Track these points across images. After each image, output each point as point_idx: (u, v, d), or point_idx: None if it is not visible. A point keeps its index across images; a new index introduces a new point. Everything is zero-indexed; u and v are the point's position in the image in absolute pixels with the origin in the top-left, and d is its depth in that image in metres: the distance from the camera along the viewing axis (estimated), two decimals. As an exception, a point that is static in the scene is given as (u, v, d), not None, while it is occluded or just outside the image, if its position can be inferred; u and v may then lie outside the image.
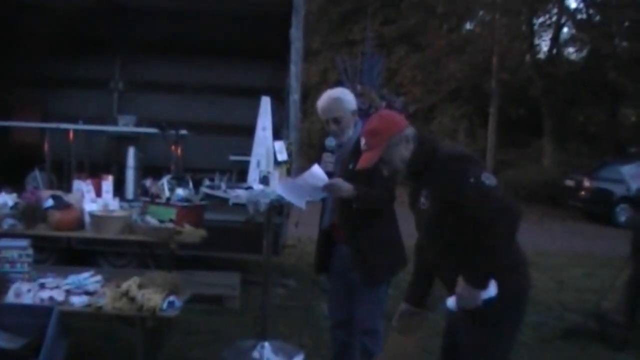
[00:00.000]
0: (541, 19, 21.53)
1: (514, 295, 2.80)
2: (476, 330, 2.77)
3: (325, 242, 3.95)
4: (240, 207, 4.49)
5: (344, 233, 3.76)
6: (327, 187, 3.59)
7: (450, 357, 2.96)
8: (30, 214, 4.23)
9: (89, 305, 3.88)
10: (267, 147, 4.26)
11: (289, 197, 3.85)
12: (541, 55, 22.44)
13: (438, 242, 2.80)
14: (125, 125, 7.55)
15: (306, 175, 3.69)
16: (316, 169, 3.66)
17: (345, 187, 3.53)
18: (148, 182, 4.53)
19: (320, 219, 3.98)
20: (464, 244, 2.65)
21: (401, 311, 3.08)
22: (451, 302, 2.76)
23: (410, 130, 2.81)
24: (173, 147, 6.85)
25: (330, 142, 3.81)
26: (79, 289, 4.04)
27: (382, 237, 3.71)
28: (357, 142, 3.73)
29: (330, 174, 3.69)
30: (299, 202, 3.84)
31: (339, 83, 6.33)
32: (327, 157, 3.80)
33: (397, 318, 3.07)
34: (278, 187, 4.00)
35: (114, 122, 7.82)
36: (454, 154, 2.75)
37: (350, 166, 3.65)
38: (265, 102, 4.40)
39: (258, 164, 4.26)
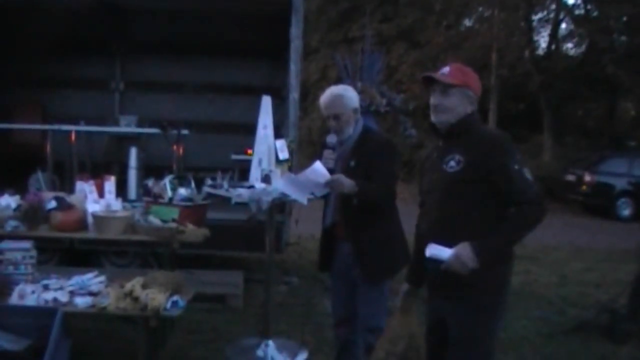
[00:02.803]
0: (539, 15, 21.50)
1: (506, 285, 2.84)
2: (470, 322, 2.79)
3: (328, 240, 3.95)
4: (242, 205, 4.50)
5: (345, 231, 3.77)
6: (329, 183, 3.60)
7: (439, 353, 2.96)
8: (32, 215, 4.24)
9: (92, 306, 3.89)
10: (268, 146, 4.26)
11: (290, 193, 3.85)
12: (540, 51, 22.42)
13: (447, 209, 2.82)
14: (126, 126, 7.55)
15: (308, 171, 3.69)
16: (318, 166, 3.67)
17: (347, 183, 3.54)
18: (150, 182, 4.54)
19: (323, 217, 3.99)
20: (477, 218, 2.72)
21: (403, 291, 3.11)
22: (433, 251, 2.74)
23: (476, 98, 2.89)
24: (174, 147, 6.87)
25: (332, 138, 3.81)
26: (83, 289, 4.04)
27: (383, 234, 3.72)
28: (359, 139, 3.74)
29: (331, 171, 3.69)
30: (301, 198, 3.84)
31: (339, 81, 6.33)
32: (328, 153, 3.80)
33: (399, 298, 3.10)
34: (280, 182, 4.00)
35: (115, 123, 7.83)
36: (506, 135, 2.82)
37: (351, 164, 3.65)
38: (266, 101, 4.40)
39: (259, 162, 4.26)
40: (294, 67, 6.36)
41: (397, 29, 20.51)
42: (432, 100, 2.87)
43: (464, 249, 2.65)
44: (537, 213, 2.68)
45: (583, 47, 21.99)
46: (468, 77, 2.85)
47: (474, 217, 2.72)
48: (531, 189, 2.68)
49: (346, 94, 3.79)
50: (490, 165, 2.70)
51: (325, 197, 3.92)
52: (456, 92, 2.82)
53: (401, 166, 14.16)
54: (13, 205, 4.36)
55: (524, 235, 2.71)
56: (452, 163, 2.79)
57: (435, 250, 2.73)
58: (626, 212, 15.25)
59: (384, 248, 3.69)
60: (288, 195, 3.88)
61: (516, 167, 2.69)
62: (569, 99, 21.49)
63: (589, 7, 20.37)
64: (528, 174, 2.71)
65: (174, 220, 4.24)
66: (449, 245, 2.69)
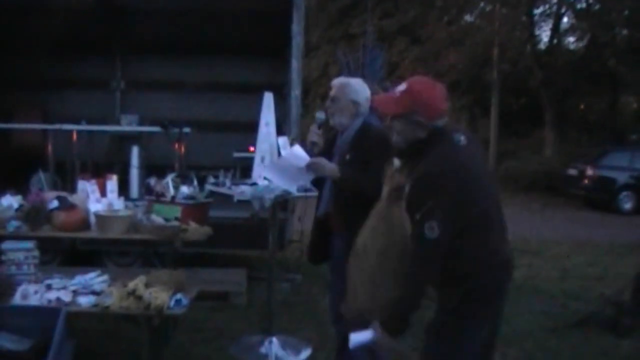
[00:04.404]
0: (541, 9, 21.48)
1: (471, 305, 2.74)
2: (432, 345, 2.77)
3: (320, 230, 3.92)
4: (244, 203, 4.50)
5: (338, 222, 3.75)
6: (310, 166, 3.59)
7: None
8: (35, 215, 4.24)
9: (96, 305, 3.88)
10: (270, 143, 4.27)
11: (277, 181, 3.85)
12: (541, 46, 22.41)
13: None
14: (128, 125, 7.55)
15: (287, 154, 3.69)
16: (297, 149, 3.67)
17: (328, 166, 3.53)
18: (152, 181, 4.54)
19: (317, 207, 3.97)
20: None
21: None
22: (355, 340, 2.71)
23: (437, 122, 2.71)
24: (176, 145, 6.87)
25: (320, 114, 3.82)
26: (86, 289, 4.04)
27: None
28: (357, 133, 3.72)
29: (314, 144, 3.69)
30: (288, 186, 3.84)
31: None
32: (314, 128, 3.82)
33: None
34: (265, 171, 4.01)
35: (117, 122, 7.83)
36: (437, 172, 2.59)
37: (347, 157, 3.64)
38: (268, 98, 4.40)
39: (262, 159, 4.27)
40: (295, 64, 6.35)
41: (397, 25, 20.50)
42: (386, 122, 2.83)
43: (377, 331, 2.63)
44: (407, 285, 2.61)
45: (585, 42, 21.96)
46: (416, 102, 2.67)
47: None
48: (419, 250, 2.57)
49: (353, 84, 3.78)
50: (410, 199, 2.63)
51: (319, 187, 3.89)
52: (401, 120, 2.71)
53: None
54: (15, 205, 4.36)
55: (410, 288, 2.63)
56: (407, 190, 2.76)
57: (357, 338, 2.70)
58: (628, 205, 15.24)
59: None
60: (277, 185, 3.89)
61: (417, 216, 2.54)
62: (571, 94, 21.48)
63: (590, 1, 20.34)
64: (428, 230, 2.51)
65: (176, 218, 4.25)
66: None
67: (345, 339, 3.91)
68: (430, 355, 2.79)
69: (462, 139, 2.72)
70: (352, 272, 2.92)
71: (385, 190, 2.87)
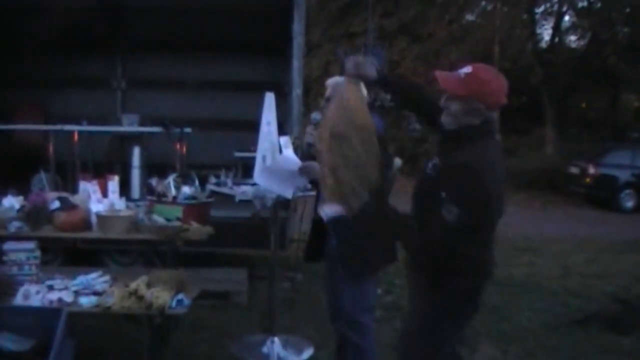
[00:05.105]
0: (542, 8, 21.47)
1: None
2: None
3: (318, 230, 3.92)
4: (246, 202, 4.51)
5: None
6: (302, 170, 3.59)
7: None
8: (36, 216, 4.25)
9: (97, 306, 3.88)
10: (272, 142, 4.27)
11: (271, 187, 3.85)
12: (543, 44, 22.39)
13: (416, 210, 2.83)
14: (129, 125, 7.55)
15: (280, 159, 3.70)
16: (289, 153, 3.68)
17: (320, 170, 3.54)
18: (154, 181, 4.54)
19: (315, 207, 3.96)
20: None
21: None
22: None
23: (493, 113, 2.74)
24: (177, 145, 6.87)
25: (316, 115, 3.82)
26: (87, 289, 4.04)
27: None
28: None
29: (310, 145, 3.69)
30: (283, 191, 3.84)
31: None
32: (310, 129, 3.82)
33: None
34: (258, 179, 4.01)
35: (118, 122, 7.83)
36: (477, 166, 2.58)
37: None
38: (270, 98, 4.40)
39: (264, 159, 4.27)
40: (296, 63, 6.35)
41: (398, 23, 20.48)
42: (442, 99, 2.77)
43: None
44: (419, 255, 2.66)
45: (586, 40, 21.95)
46: (480, 88, 2.65)
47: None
48: (434, 239, 2.58)
49: None
50: (444, 178, 2.64)
51: (317, 186, 3.89)
52: (460, 102, 2.67)
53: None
54: (16, 206, 4.37)
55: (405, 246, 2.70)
56: (430, 166, 2.77)
57: (329, 211, 2.71)
58: (629, 203, 15.24)
59: (367, 245, 3.66)
60: (272, 191, 3.88)
61: (446, 208, 2.53)
62: (571, 91, 21.46)
63: (591, -1, 20.36)
64: (446, 212, 2.52)
65: (178, 219, 4.25)
66: None
67: (344, 337, 3.93)
68: (409, 348, 2.83)
69: (498, 136, 2.76)
70: (329, 157, 2.80)
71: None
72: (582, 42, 22.59)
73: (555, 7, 21.20)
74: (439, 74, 2.73)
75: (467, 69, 2.69)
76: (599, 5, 20.07)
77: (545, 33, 22.85)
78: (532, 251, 9.04)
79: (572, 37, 22.93)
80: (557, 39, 22.30)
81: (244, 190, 4.21)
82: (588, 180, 15.58)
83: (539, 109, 21.04)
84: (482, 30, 20.01)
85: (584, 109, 24.21)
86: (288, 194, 3.90)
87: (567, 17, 22.01)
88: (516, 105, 21.51)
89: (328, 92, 3.74)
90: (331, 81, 3.80)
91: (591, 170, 15.52)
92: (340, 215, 2.67)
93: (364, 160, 2.70)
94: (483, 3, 21.71)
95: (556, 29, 22.00)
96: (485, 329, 5.43)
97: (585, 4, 20.72)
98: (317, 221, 3.90)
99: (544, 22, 22.36)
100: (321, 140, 2.80)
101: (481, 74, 2.69)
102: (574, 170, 16.16)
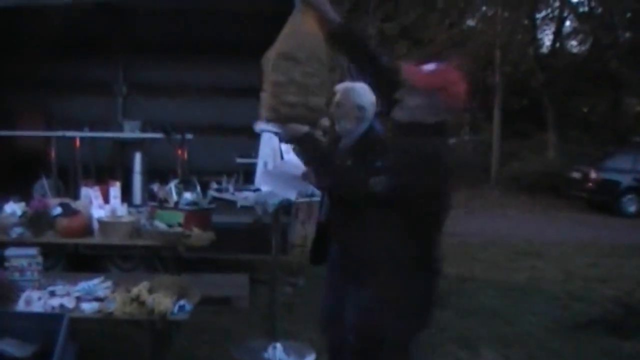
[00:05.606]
0: (543, 13, 21.48)
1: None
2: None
3: (322, 234, 3.92)
4: (247, 208, 4.51)
5: (333, 230, 3.75)
6: (304, 175, 3.60)
7: None
8: (38, 222, 4.25)
9: (99, 312, 3.89)
10: (273, 148, 4.27)
11: (275, 189, 3.85)
12: (544, 49, 22.40)
13: None
14: (130, 130, 7.56)
15: (283, 164, 3.70)
16: (292, 158, 3.68)
17: None
18: (155, 187, 4.55)
19: (319, 211, 3.97)
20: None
21: None
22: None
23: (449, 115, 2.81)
24: (179, 151, 6.87)
25: (324, 121, 3.82)
26: (89, 295, 4.04)
27: None
28: (360, 139, 3.72)
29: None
30: (287, 193, 3.84)
31: (342, 81, 6.32)
32: (318, 135, 3.82)
33: None
34: (261, 181, 4.01)
35: (119, 127, 7.84)
36: (426, 151, 2.70)
37: (349, 162, 3.64)
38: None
39: (265, 165, 4.28)
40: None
41: (399, 28, 20.48)
42: (400, 92, 2.75)
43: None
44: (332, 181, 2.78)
45: (587, 45, 21.96)
46: (446, 87, 2.66)
47: None
48: (354, 177, 2.74)
49: (357, 89, 3.75)
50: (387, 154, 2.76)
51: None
52: (421, 96, 2.67)
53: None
54: (18, 212, 4.36)
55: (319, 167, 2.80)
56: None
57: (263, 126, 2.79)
58: (632, 208, 15.21)
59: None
60: (274, 194, 3.89)
61: (378, 164, 2.68)
62: (573, 95, 21.45)
63: (592, 4, 20.34)
64: (374, 181, 2.61)
65: (179, 224, 4.25)
66: None
67: (344, 342, 3.92)
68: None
69: (453, 141, 2.76)
70: (272, 75, 2.80)
71: None
72: (583, 47, 22.61)
73: (557, 12, 21.23)
74: (408, 67, 2.74)
75: (434, 67, 2.71)
76: (600, 10, 20.08)
77: (547, 38, 22.89)
78: (534, 255, 9.03)
79: (574, 42, 22.95)
80: (558, 44, 22.30)
81: (245, 196, 4.21)
82: (590, 184, 15.55)
83: (541, 113, 21.04)
84: (483, 35, 20.01)
85: (585, 113, 24.19)
86: (292, 195, 3.90)
87: (568, 22, 22.04)
88: (517, 109, 21.55)
89: (337, 97, 3.74)
90: (340, 86, 3.81)
91: (593, 175, 15.50)
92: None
93: (309, 85, 2.66)
94: (484, 8, 21.71)
95: (557, 34, 22.01)
96: (487, 333, 5.43)
97: (586, 8, 20.75)
98: (321, 225, 3.92)
99: (545, 27, 22.38)
100: (267, 61, 2.78)
101: (448, 73, 2.71)
102: (576, 174, 16.14)
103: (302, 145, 2.70)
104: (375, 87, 3.00)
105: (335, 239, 3.57)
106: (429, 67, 2.71)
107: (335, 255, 3.68)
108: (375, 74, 2.93)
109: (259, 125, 2.67)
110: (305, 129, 2.66)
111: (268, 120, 2.68)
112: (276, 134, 3.06)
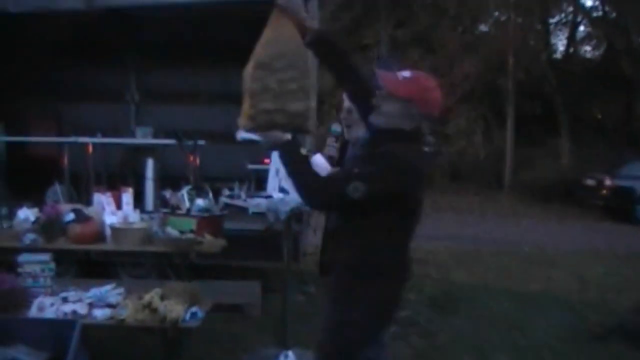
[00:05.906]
0: (556, 18, 21.41)
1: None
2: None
3: (330, 242, 3.89)
4: (259, 215, 4.49)
5: (339, 237, 3.72)
6: None
7: None
8: (50, 228, 4.26)
9: (111, 318, 3.89)
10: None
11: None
12: (558, 55, 22.32)
13: None
14: (142, 137, 7.58)
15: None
16: (318, 158, 3.66)
17: None
18: (168, 194, 4.55)
19: (327, 219, 3.94)
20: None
21: None
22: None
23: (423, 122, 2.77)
24: (190, 157, 6.87)
25: (336, 127, 3.81)
26: (102, 301, 4.05)
27: None
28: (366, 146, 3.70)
29: (331, 158, 3.68)
30: None
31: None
32: (331, 141, 3.81)
33: None
34: (285, 183, 3.99)
35: (131, 134, 7.85)
36: (401, 157, 2.68)
37: (356, 170, 3.61)
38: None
39: (277, 172, 4.26)
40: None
41: (411, 34, 20.48)
42: (376, 97, 2.74)
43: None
44: (308, 191, 2.69)
45: (601, 50, 21.86)
46: (421, 94, 2.66)
47: None
48: (330, 185, 2.69)
49: None
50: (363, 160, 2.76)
51: None
52: (396, 103, 2.66)
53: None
54: (31, 218, 4.39)
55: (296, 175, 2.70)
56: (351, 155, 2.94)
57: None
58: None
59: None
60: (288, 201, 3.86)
61: (356, 170, 2.64)
62: (586, 101, 21.35)
63: (606, 8, 20.25)
64: (353, 189, 2.53)
65: (191, 231, 4.25)
66: None
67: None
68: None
69: (429, 149, 2.75)
70: (250, 85, 2.83)
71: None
72: (597, 52, 22.50)
73: (570, 17, 21.15)
74: (383, 74, 2.72)
75: (408, 74, 2.70)
76: (613, 14, 19.99)
77: (560, 43, 22.81)
78: (548, 264, 8.95)
79: (587, 47, 22.86)
80: (572, 49, 22.21)
81: (257, 203, 4.19)
82: (605, 192, 15.42)
83: (554, 119, 20.95)
84: (496, 40, 19.97)
85: (599, 118, 24.05)
86: None
87: (581, 27, 21.97)
88: (531, 115, 21.46)
89: (346, 104, 3.72)
90: None
91: (607, 182, 15.37)
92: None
93: (286, 91, 2.66)
94: (496, 13, 21.67)
95: (571, 39, 21.92)
96: (501, 342, 5.38)
97: (600, 13, 20.65)
98: (330, 234, 3.89)
99: (558, 33, 22.31)
100: (246, 73, 2.82)
101: (423, 80, 2.70)
102: (590, 182, 16.02)
103: (283, 153, 2.68)
104: (352, 95, 2.99)
105: (330, 249, 3.57)
106: (405, 73, 2.70)
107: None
108: (352, 82, 2.92)
109: (240, 134, 2.66)
110: (286, 136, 2.64)
111: (246, 129, 2.66)
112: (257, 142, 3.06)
